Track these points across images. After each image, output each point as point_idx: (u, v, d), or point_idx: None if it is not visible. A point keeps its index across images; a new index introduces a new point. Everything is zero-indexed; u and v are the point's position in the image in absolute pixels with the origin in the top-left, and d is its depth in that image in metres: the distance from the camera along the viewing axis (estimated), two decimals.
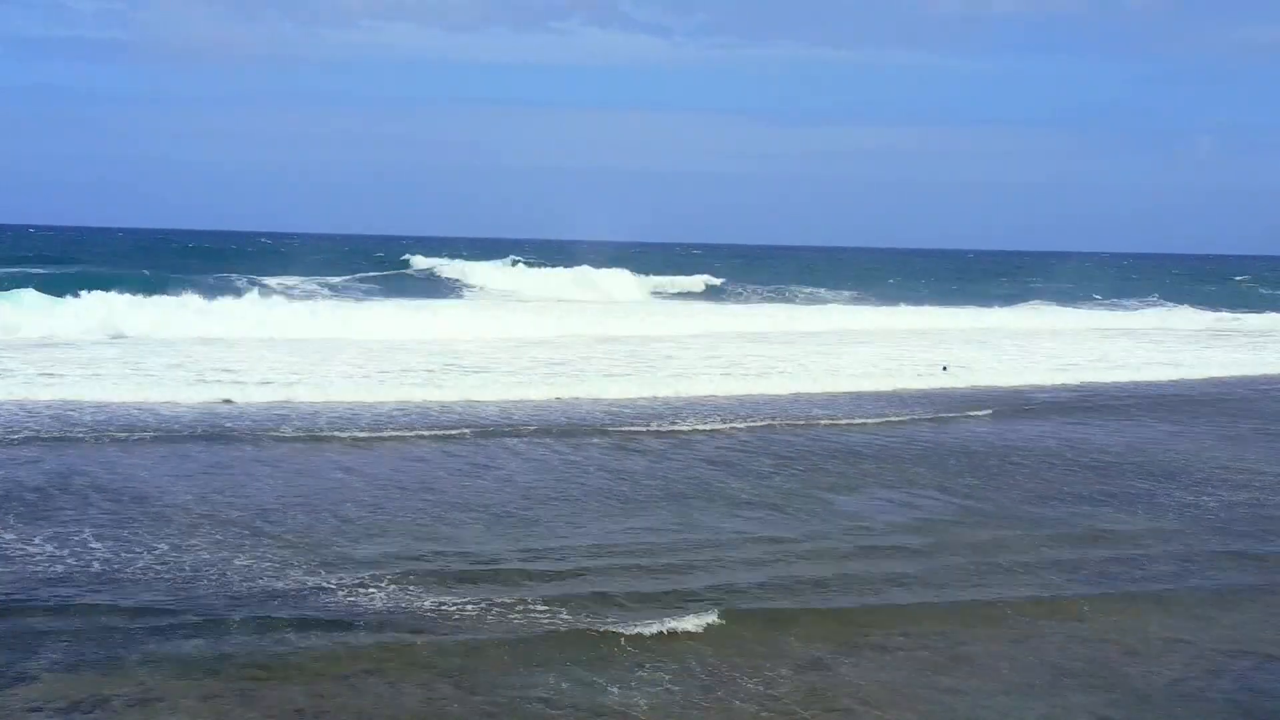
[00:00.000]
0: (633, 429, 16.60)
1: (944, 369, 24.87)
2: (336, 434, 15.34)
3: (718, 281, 59.42)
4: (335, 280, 50.35)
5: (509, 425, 16.49)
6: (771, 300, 53.26)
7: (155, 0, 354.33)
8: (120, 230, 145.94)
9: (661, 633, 8.11)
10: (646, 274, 57.60)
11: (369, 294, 45.56)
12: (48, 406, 16.69)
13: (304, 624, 8.11)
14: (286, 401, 17.71)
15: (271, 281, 47.21)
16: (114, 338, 25.90)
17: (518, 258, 64.37)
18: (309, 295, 42.91)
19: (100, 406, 16.81)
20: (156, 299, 31.48)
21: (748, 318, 39.23)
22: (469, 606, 8.60)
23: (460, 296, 48.02)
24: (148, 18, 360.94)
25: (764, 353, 27.47)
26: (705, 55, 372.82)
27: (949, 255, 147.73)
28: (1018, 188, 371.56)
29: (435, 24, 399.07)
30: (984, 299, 54.98)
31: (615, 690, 7.21)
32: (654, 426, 16.91)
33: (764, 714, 7.00)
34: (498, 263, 61.34)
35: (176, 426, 15.53)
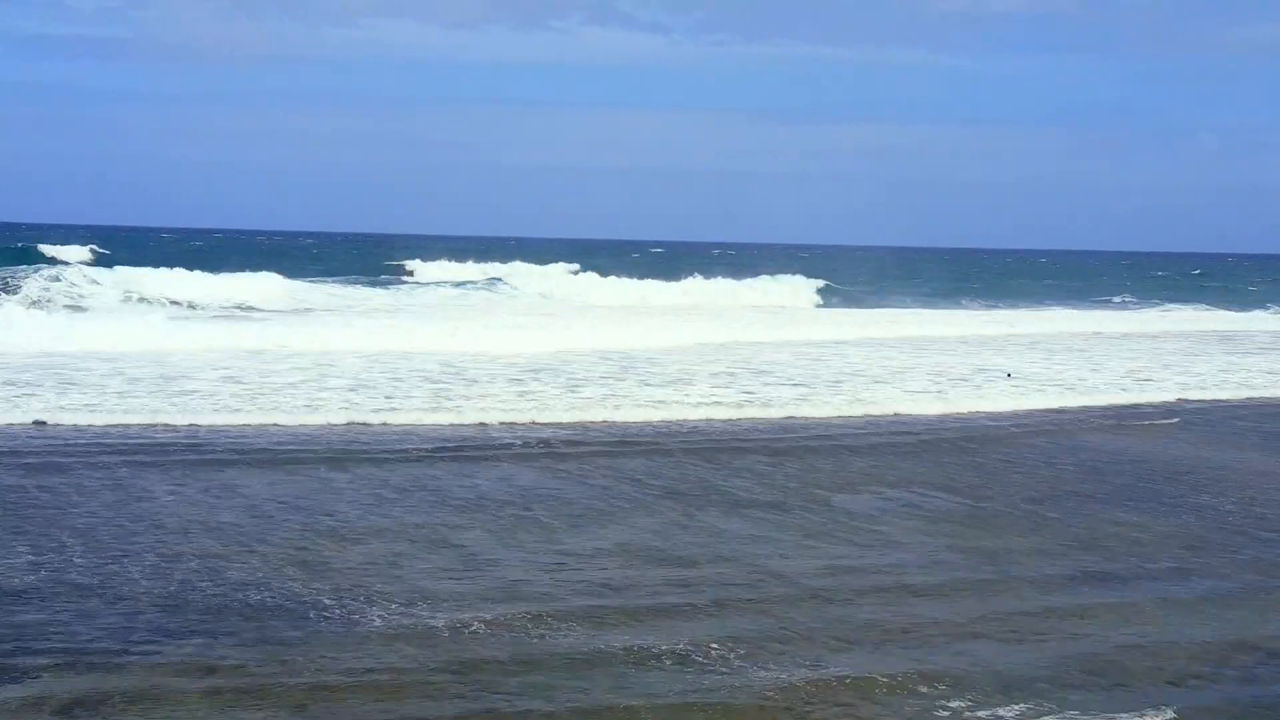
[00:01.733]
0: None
1: (1008, 376, 23.37)
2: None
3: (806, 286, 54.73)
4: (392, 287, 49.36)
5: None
6: (884, 306, 50.36)
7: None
8: (122, 230, 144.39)
9: None
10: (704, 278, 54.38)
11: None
12: None
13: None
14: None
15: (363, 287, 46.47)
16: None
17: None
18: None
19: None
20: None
21: (898, 325, 37.46)
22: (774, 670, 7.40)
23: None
24: (147, 16, 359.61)
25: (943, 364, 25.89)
26: (704, 53, 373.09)
27: (961, 254, 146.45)
28: (1017, 187, 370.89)
29: (435, 22, 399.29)
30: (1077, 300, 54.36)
31: None
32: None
33: None
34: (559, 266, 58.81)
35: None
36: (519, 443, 15.03)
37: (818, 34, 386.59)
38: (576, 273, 56.37)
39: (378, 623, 8.02)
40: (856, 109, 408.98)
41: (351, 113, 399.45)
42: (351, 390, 18.58)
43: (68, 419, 15.42)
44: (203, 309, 35.30)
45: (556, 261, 62.59)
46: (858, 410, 18.49)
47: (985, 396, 20.44)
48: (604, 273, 54.79)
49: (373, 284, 49.98)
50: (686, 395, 19.30)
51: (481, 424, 16.44)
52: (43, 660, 7.16)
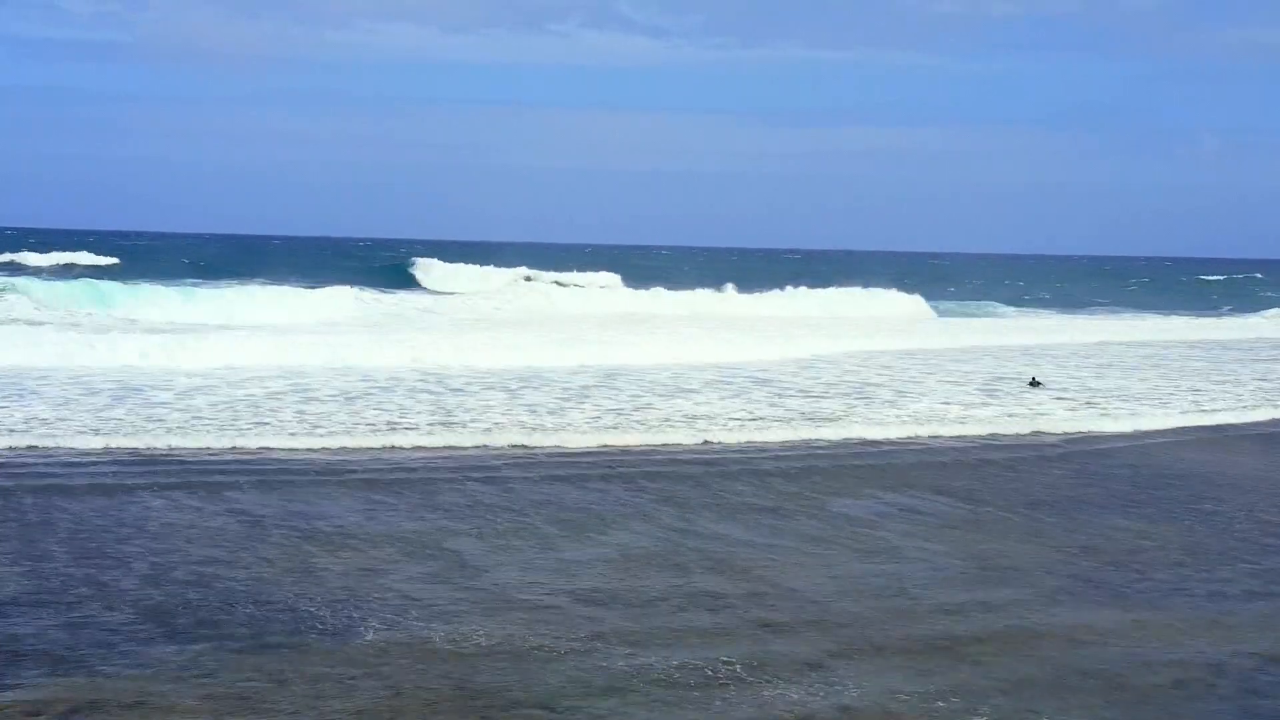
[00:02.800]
0: None
1: (1035, 382, 22.78)
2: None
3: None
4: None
5: None
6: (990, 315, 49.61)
7: (151, 1, 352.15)
8: (126, 233, 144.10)
9: None
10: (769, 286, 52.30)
11: None
12: None
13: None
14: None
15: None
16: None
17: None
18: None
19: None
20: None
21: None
22: None
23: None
24: (145, 18, 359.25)
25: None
26: (702, 56, 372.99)
27: (968, 258, 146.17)
28: (1016, 189, 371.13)
29: (433, 24, 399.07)
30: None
31: None
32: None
33: None
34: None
35: None
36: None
37: (816, 37, 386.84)
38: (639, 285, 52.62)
39: (375, 633, 7.99)
40: (855, 111, 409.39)
41: (351, 115, 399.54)
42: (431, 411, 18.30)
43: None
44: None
45: (579, 269, 62.01)
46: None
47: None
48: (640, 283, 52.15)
49: (419, 292, 47.87)
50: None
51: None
52: (39, 668, 7.15)
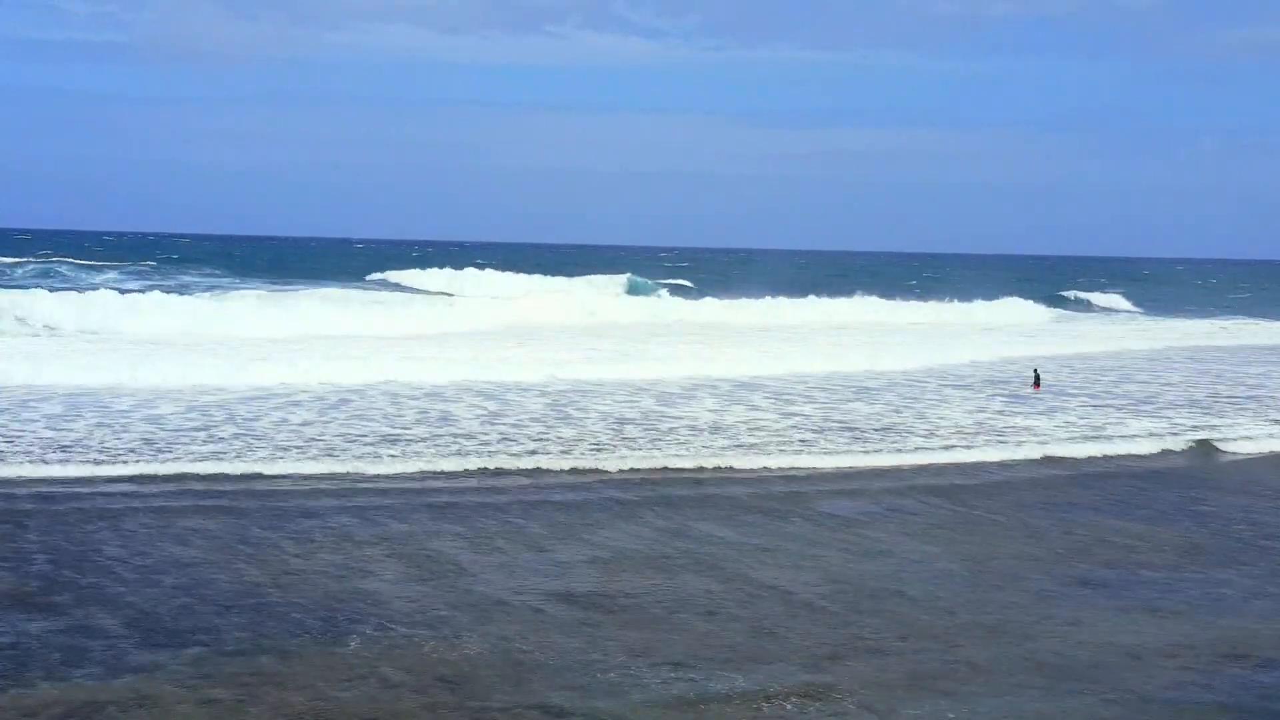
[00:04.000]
0: None
1: (1036, 380, 22.67)
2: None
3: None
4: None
5: None
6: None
7: (149, 2, 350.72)
8: (118, 234, 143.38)
9: None
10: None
11: None
12: None
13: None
14: None
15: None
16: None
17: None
18: None
19: None
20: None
21: None
22: None
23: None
24: (141, 20, 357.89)
25: None
26: (699, 58, 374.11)
27: (973, 259, 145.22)
28: (1014, 190, 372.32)
29: (431, 26, 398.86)
30: None
31: None
32: None
33: None
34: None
35: None
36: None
37: (813, 38, 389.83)
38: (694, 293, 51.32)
39: (371, 635, 8.05)
40: (852, 112, 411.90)
41: (348, 117, 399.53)
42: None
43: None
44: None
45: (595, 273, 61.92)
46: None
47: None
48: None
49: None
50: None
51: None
52: (39, 670, 7.21)
